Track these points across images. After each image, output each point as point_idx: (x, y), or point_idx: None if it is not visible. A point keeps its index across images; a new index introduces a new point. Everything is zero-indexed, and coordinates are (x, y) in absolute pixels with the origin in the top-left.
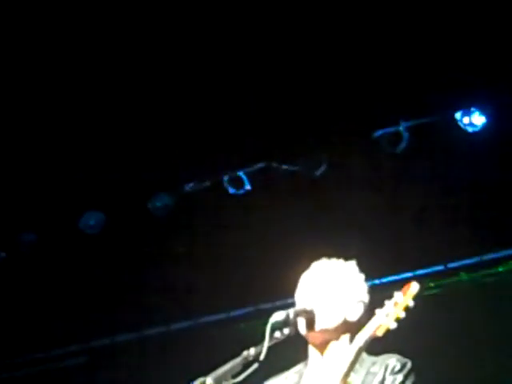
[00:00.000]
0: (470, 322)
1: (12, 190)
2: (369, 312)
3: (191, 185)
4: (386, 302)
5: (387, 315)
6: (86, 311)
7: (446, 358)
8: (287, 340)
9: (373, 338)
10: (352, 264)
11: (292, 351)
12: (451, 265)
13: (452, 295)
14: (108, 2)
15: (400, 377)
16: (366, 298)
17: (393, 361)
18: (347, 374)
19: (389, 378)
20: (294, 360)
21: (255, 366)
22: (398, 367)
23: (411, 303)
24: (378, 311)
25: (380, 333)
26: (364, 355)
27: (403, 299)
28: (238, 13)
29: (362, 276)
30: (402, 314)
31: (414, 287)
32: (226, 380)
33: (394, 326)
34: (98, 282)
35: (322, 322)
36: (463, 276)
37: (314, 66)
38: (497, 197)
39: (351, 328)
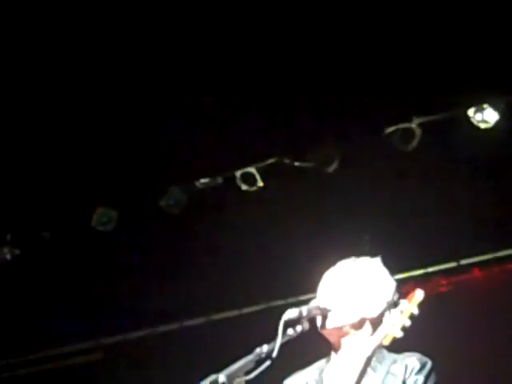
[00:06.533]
0: (482, 320)
1: (24, 188)
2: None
3: (203, 181)
4: (392, 311)
5: (393, 324)
6: (98, 307)
7: (458, 356)
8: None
9: (380, 346)
10: (376, 261)
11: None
12: (464, 261)
13: (465, 292)
14: (108, 2)
15: (421, 378)
16: (388, 295)
17: (413, 360)
18: (358, 383)
19: (409, 380)
20: (319, 355)
21: (268, 362)
22: (417, 367)
23: (416, 311)
24: (385, 319)
25: (387, 342)
26: (385, 352)
27: (408, 307)
28: (248, 12)
29: (386, 273)
30: (408, 323)
31: (419, 294)
32: (239, 377)
33: (400, 334)
34: (111, 279)
35: (335, 320)
36: (476, 273)
37: (325, 62)
38: (510, 193)
39: (370, 324)
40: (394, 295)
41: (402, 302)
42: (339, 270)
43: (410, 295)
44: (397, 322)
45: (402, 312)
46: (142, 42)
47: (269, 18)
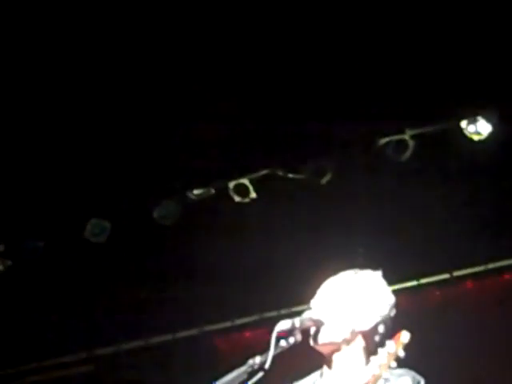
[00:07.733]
0: (475, 331)
1: (17, 198)
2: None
3: (197, 192)
4: (379, 351)
5: (380, 366)
6: (90, 319)
7: (450, 369)
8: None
9: None
10: (377, 275)
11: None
12: (457, 273)
13: (458, 304)
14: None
15: None
16: (384, 309)
17: (406, 380)
18: None
19: None
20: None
21: (260, 374)
22: None
23: (401, 353)
24: (372, 359)
25: (373, 382)
26: None
27: (394, 349)
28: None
29: (386, 287)
30: (394, 365)
31: (405, 336)
32: None
33: (386, 375)
34: (103, 290)
35: (327, 335)
36: (469, 284)
37: (318, 73)
38: (502, 205)
39: (362, 338)
40: (390, 310)
41: (389, 343)
42: (338, 282)
43: (396, 337)
44: (383, 364)
45: (388, 354)
46: (140, 62)
47: (266, 30)
